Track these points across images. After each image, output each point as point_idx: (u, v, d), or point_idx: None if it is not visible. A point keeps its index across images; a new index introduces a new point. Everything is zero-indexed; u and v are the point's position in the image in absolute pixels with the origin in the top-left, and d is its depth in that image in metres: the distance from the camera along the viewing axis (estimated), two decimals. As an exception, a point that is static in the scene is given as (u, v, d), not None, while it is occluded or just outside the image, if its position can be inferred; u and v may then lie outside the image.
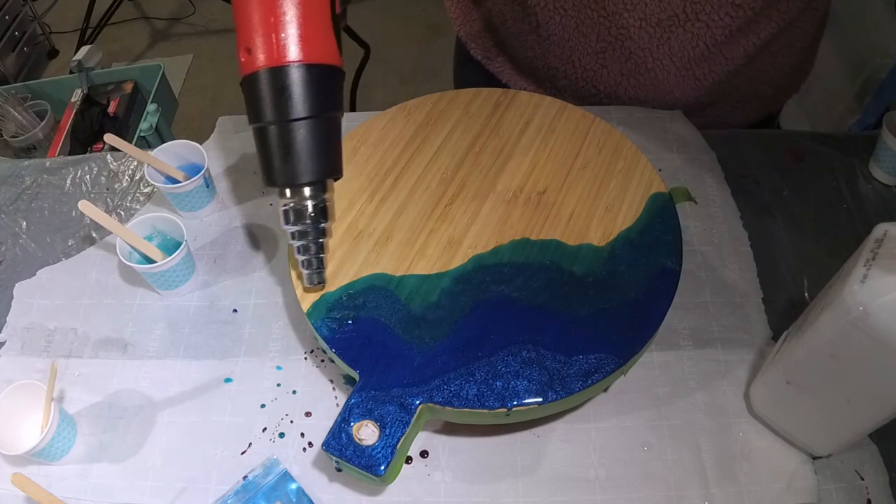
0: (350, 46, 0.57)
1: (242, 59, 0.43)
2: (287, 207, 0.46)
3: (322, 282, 0.50)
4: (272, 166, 0.44)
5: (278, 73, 0.42)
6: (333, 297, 0.50)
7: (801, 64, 0.71)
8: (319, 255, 0.48)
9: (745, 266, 0.60)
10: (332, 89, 0.44)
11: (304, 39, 0.42)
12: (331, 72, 0.43)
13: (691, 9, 0.60)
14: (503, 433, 0.51)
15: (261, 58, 0.42)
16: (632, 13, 0.62)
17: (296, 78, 0.42)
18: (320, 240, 0.48)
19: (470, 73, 0.80)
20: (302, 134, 0.43)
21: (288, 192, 0.45)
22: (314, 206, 0.45)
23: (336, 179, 0.47)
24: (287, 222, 0.46)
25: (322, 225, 0.47)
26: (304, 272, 0.49)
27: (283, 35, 0.41)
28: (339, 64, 0.44)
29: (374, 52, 0.94)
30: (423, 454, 0.51)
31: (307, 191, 0.45)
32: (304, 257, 0.48)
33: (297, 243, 0.48)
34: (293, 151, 0.43)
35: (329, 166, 0.45)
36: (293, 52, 0.41)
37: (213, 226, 0.65)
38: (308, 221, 0.46)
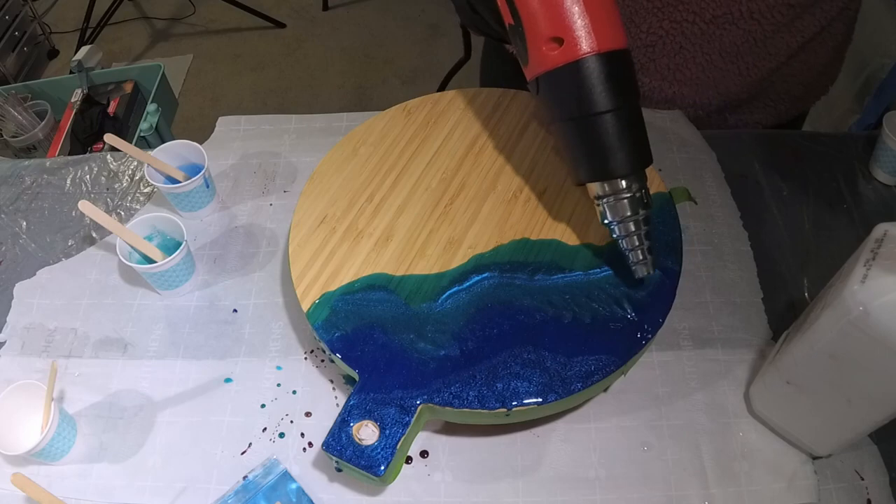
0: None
1: (550, 52, 0.42)
2: (610, 202, 0.45)
3: (650, 271, 0.48)
4: (588, 161, 0.44)
5: (595, 62, 0.41)
6: (333, 297, 0.50)
7: (831, 64, 0.72)
8: (646, 243, 0.47)
9: (745, 266, 0.60)
10: (634, 74, 0.44)
11: (611, 26, 0.41)
12: (630, 57, 0.43)
13: (746, 7, 0.60)
14: (503, 433, 0.51)
15: (579, 47, 0.41)
16: (686, 7, 0.62)
17: (612, 67, 0.41)
18: (644, 228, 0.46)
19: (501, 65, 0.78)
20: (620, 124, 0.43)
21: (607, 186, 0.45)
22: (639, 196, 0.45)
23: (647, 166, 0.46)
24: (612, 217, 0.46)
25: (645, 213, 0.46)
26: (633, 265, 0.47)
27: (596, 22, 0.40)
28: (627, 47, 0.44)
29: (373, 52, 0.94)
30: (423, 454, 0.51)
31: (624, 182, 0.44)
32: (630, 249, 0.47)
33: (622, 236, 0.46)
34: (611, 144, 0.43)
35: (645, 154, 0.45)
36: (607, 39, 0.41)
37: (213, 226, 0.65)
38: (629, 213, 0.45)
